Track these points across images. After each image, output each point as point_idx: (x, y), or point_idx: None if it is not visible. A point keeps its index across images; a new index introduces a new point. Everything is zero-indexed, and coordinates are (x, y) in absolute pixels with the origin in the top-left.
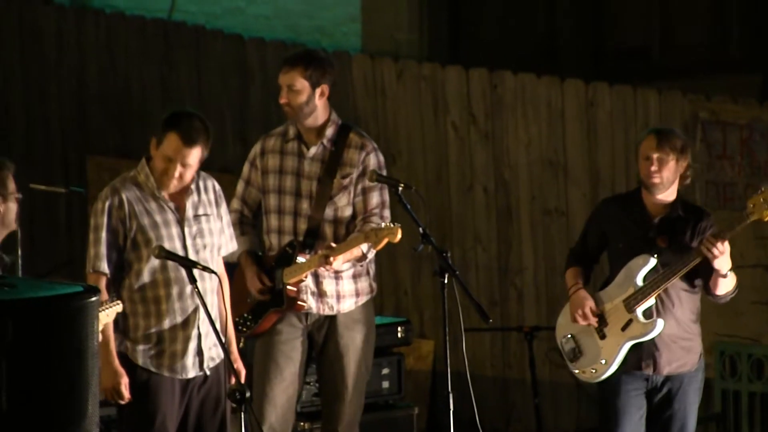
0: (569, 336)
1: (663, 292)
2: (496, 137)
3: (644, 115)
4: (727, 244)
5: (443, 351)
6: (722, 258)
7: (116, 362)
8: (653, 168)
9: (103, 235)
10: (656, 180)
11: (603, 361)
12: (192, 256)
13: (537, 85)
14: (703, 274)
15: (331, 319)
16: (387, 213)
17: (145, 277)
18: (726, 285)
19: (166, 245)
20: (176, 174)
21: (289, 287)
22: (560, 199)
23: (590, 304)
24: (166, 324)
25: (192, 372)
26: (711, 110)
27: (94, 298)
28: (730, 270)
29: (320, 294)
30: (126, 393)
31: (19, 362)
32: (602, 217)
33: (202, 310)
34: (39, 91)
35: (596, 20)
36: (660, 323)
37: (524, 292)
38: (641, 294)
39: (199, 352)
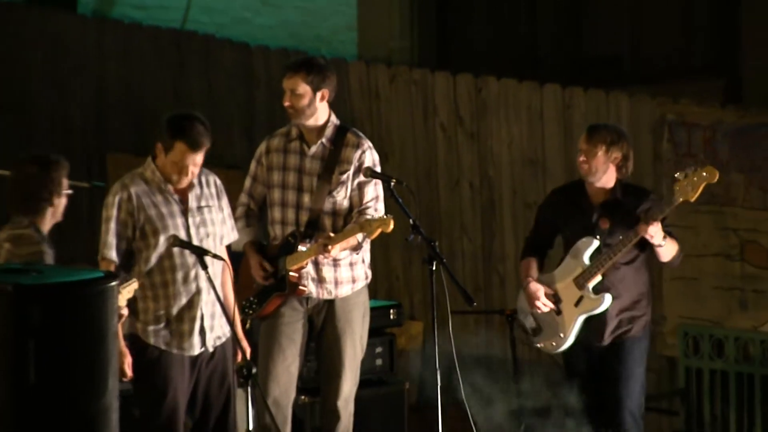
0: (529, 315)
1: (609, 270)
2: (481, 137)
3: (616, 117)
4: (658, 223)
5: (432, 332)
6: (656, 235)
7: (121, 342)
8: (581, 159)
9: (113, 226)
10: (584, 168)
11: (561, 335)
12: (195, 244)
13: (518, 90)
14: (644, 249)
15: (330, 303)
16: (381, 206)
17: (153, 264)
18: (667, 252)
19: (169, 229)
20: (190, 174)
21: (291, 273)
22: (539, 194)
23: (542, 293)
24: (173, 306)
25: (197, 349)
26: (677, 112)
27: (113, 283)
28: (665, 239)
29: (320, 280)
30: (129, 371)
31: (46, 342)
32: (551, 206)
33: (204, 292)
34: (62, 94)
35: (573, 31)
36: (608, 297)
37: (506, 278)
38: (589, 272)
39: (203, 331)
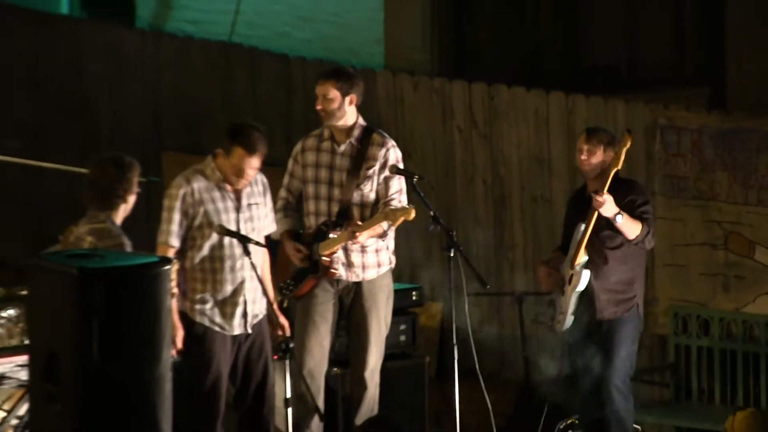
0: (552, 299)
1: (594, 252)
2: (493, 139)
3: (613, 121)
4: (606, 195)
5: (449, 311)
6: (605, 207)
7: (175, 317)
8: (583, 157)
9: (176, 216)
10: (585, 167)
11: (563, 313)
12: (245, 231)
13: (526, 97)
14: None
15: (358, 285)
16: (404, 198)
17: (206, 252)
18: (629, 229)
19: (223, 223)
20: (247, 177)
21: (323, 258)
22: (545, 189)
23: (541, 271)
24: (219, 291)
25: (238, 330)
26: (668, 117)
27: (167, 267)
28: (620, 216)
29: (349, 264)
30: (179, 343)
31: (108, 319)
32: (567, 208)
33: (248, 281)
34: (122, 100)
35: (575, 43)
36: (585, 273)
37: (515, 264)
38: (574, 252)
39: (245, 315)
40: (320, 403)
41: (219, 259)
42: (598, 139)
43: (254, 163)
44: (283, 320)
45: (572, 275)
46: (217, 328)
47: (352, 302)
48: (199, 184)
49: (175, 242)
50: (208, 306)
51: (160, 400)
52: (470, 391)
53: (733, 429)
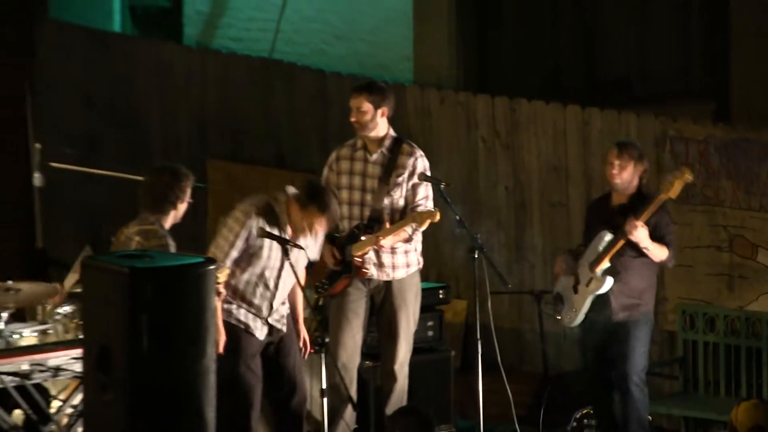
0: (558, 292)
1: (617, 258)
2: (515, 148)
3: (626, 133)
4: (640, 223)
5: (473, 308)
6: (638, 234)
7: (219, 321)
8: (615, 171)
9: (238, 243)
10: (617, 180)
11: (574, 310)
12: (283, 277)
13: (545, 110)
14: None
15: (388, 284)
16: (430, 204)
17: (246, 276)
18: (655, 255)
19: (269, 265)
20: (312, 233)
21: (356, 259)
22: (562, 195)
23: (560, 258)
24: (245, 308)
25: (260, 335)
26: (677, 129)
27: (212, 267)
28: (652, 244)
29: (380, 264)
30: (221, 348)
31: (157, 315)
32: (588, 212)
33: (277, 301)
34: (170, 112)
35: (590, 60)
36: (609, 280)
37: (534, 264)
38: (598, 258)
39: (270, 332)
40: (353, 393)
41: (254, 285)
42: (630, 154)
43: (323, 222)
44: (305, 335)
45: (591, 279)
46: (242, 326)
47: (382, 300)
48: (266, 223)
49: (229, 264)
50: (234, 306)
51: (205, 390)
52: (493, 382)
53: (737, 418)
